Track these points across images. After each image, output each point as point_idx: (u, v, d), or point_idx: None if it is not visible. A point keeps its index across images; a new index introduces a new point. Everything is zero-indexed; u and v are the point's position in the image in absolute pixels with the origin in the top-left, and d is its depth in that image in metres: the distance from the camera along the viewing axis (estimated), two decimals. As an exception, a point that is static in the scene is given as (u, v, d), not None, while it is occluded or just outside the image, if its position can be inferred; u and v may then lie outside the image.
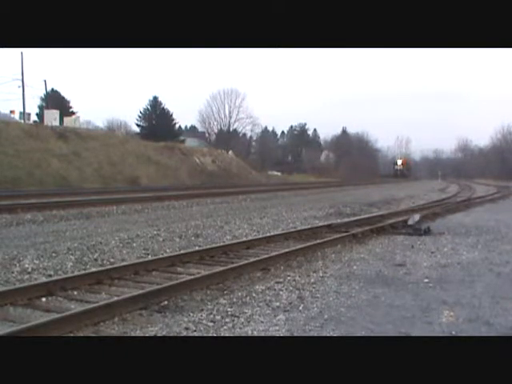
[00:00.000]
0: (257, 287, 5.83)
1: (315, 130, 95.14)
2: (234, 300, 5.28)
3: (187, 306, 5.02)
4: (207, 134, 70.33)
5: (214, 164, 45.94)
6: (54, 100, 50.31)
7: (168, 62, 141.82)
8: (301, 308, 5.02)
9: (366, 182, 47.12)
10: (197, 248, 8.07)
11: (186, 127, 78.40)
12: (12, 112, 41.01)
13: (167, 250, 8.02)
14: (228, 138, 66.08)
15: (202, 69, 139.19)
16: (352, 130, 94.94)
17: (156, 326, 4.38)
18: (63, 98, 56.23)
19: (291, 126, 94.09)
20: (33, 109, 54.81)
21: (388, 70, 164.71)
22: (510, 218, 14.02)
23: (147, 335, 4.15)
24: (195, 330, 4.31)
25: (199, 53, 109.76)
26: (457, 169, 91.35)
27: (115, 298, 4.93)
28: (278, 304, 5.15)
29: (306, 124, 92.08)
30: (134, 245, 8.43)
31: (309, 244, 8.53)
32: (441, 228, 11.51)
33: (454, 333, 4.33)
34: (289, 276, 6.43)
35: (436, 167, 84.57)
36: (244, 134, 74.81)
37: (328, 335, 4.22)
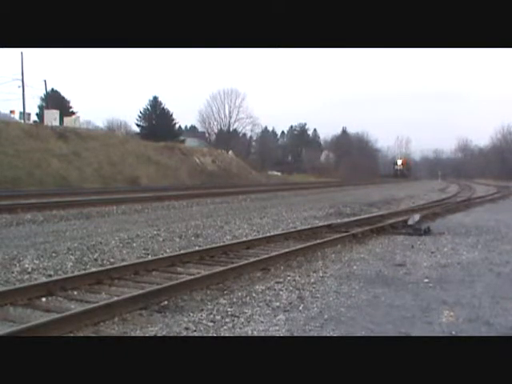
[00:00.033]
0: (257, 287, 5.83)
1: (315, 130, 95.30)
2: (234, 300, 5.28)
3: (187, 306, 5.02)
4: (207, 134, 70.34)
5: (214, 164, 45.95)
6: (54, 100, 50.31)
7: (168, 61, 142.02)
8: (301, 308, 5.03)
9: (365, 182, 47.11)
10: (197, 248, 8.07)
11: (186, 127, 78.46)
12: (12, 112, 41.02)
13: (167, 250, 8.02)
14: (228, 138, 66.08)
15: (202, 69, 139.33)
16: (352, 129, 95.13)
17: (156, 326, 4.38)
18: (63, 98, 56.25)
19: (291, 126, 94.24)
20: (33, 109, 54.91)
21: (388, 70, 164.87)
22: (509, 218, 14.02)
23: (147, 335, 4.15)
24: (195, 330, 4.31)
25: (199, 53, 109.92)
26: (457, 169, 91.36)
27: (115, 298, 4.93)
28: (277, 304, 5.15)
29: (306, 124, 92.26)
30: (134, 245, 8.43)
31: (309, 244, 8.53)
32: (441, 228, 11.51)
33: (454, 333, 4.33)
34: (289, 276, 6.43)
35: (436, 167, 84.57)
36: (244, 134, 74.91)
37: (328, 335, 4.22)
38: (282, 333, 4.26)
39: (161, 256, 7.30)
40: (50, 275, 6.17)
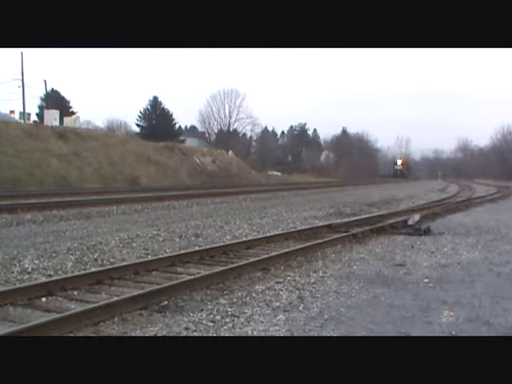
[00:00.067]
0: (257, 287, 5.83)
1: (315, 130, 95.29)
2: (234, 300, 5.28)
3: (187, 306, 5.02)
4: (207, 134, 70.34)
5: (214, 164, 45.95)
6: (54, 100, 50.31)
7: (168, 62, 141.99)
8: (301, 308, 5.02)
9: (365, 182, 47.11)
10: (197, 248, 8.07)
11: (186, 127, 78.44)
12: (12, 112, 41.02)
13: (167, 250, 8.02)
14: (228, 138, 66.08)
15: (202, 69, 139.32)
16: (352, 130, 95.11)
17: (156, 326, 4.38)
18: (63, 98, 56.25)
19: (291, 126, 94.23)
20: (33, 109, 54.91)
21: (388, 70, 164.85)
22: (509, 218, 14.02)
23: (147, 335, 4.15)
24: (195, 330, 4.31)
25: (199, 53, 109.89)
26: (457, 169, 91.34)
27: (115, 298, 4.93)
28: (277, 304, 5.15)
29: (306, 124, 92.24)
30: (134, 245, 8.43)
31: (309, 244, 8.53)
32: (441, 228, 11.51)
33: (454, 333, 4.33)
34: (289, 276, 6.43)
35: (436, 167, 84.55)
36: (244, 134, 74.91)
37: (328, 335, 4.22)
38: (282, 333, 4.26)
39: (161, 256, 7.30)
40: (50, 275, 6.17)
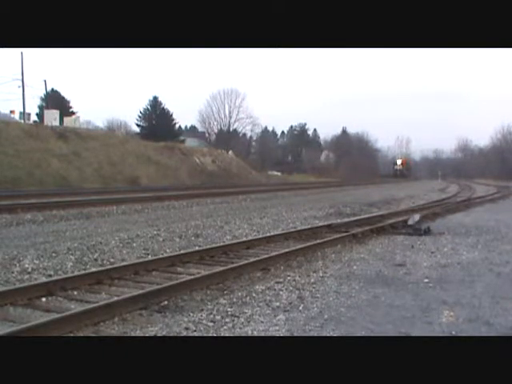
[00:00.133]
0: (257, 287, 5.83)
1: (315, 130, 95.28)
2: (234, 300, 5.28)
3: (187, 306, 5.02)
4: (207, 134, 70.34)
5: (214, 164, 45.95)
6: (54, 100, 50.31)
7: (168, 62, 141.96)
8: (301, 308, 5.02)
9: (365, 182, 47.11)
10: (197, 248, 8.07)
11: (186, 127, 78.44)
12: (12, 112, 41.02)
13: (167, 250, 8.02)
14: (228, 138, 66.08)
15: (202, 69, 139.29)
16: (352, 129, 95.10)
17: (156, 326, 4.38)
18: (63, 98, 56.25)
19: (291, 126, 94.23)
20: (33, 109, 54.92)
21: (388, 70, 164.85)
22: (509, 218, 14.02)
23: (147, 335, 4.15)
24: (195, 330, 4.31)
25: (199, 53, 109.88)
26: (457, 169, 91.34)
27: (115, 298, 4.93)
28: (277, 304, 5.15)
29: (306, 124, 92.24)
30: (134, 245, 8.43)
31: (309, 244, 8.53)
32: (441, 228, 11.51)
33: (454, 333, 4.33)
34: (289, 276, 6.43)
35: (436, 167, 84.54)
36: (244, 134, 74.90)
37: (328, 335, 4.22)
38: (282, 333, 4.26)
39: (161, 256, 7.30)
40: (50, 275, 6.17)
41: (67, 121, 42.38)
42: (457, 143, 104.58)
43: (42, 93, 51.18)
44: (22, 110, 41.69)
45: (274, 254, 7.45)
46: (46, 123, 38.00)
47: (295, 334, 4.23)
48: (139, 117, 60.92)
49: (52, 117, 39.66)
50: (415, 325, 4.56)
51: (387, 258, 7.95)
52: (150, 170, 35.40)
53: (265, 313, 4.84)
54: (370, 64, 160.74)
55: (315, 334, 4.24)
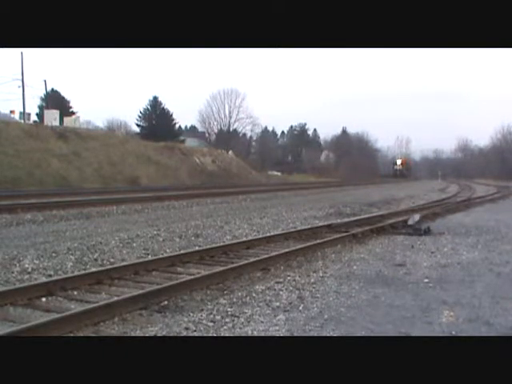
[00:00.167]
0: (257, 287, 5.83)
1: (315, 130, 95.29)
2: (234, 300, 5.28)
3: (187, 306, 5.02)
4: (207, 134, 70.34)
5: (214, 164, 45.95)
6: (54, 100, 50.32)
7: (168, 62, 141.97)
8: (301, 308, 5.02)
9: (365, 182, 47.12)
10: (197, 248, 8.07)
11: (186, 127, 78.45)
12: (12, 112, 41.02)
13: (167, 250, 8.02)
14: (228, 138, 66.08)
15: (202, 69, 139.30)
16: (352, 130, 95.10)
17: (156, 326, 4.38)
18: (63, 98, 56.25)
19: (291, 126, 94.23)
20: (33, 109, 54.92)
21: (388, 70, 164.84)
22: (509, 218, 14.02)
23: (147, 335, 4.15)
24: (195, 330, 4.31)
25: (199, 53, 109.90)
26: (457, 169, 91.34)
27: (115, 298, 4.93)
28: (277, 304, 5.15)
29: (306, 124, 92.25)
30: (134, 245, 8.43)
31: (309, 244, 8.53)
32: (441, 228, 11.51)
33: (454, 333, 4.33)
34: (289, 276, 6.43)
35: (436, 167, 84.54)
36: (244, 134, 74.91)
37: (328, 335, 4.22)
38: (282, 333, 4.26)
39: (161, 256, 7.30)
40: (50, 275, 6.17)
41: (67, 121, 42.38)
42: (457, 143, 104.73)
43: (42, 93, 51.29)
44: (22, 110, 41.71)
45: (273, 253, 7.45)
46: (45, 123, 38.01)
47: (295, 334, 4.23)
48: (139, 117, 60.99)
49: (52, 117, 39.67)
50: (415, 325, 4.56)
51: (387, 257, 7.95)
52: (149, 170, 35.41)
53: (265, 313, 4.84)
54: (370, 64, 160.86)
55: (315, 334, 4.24)
